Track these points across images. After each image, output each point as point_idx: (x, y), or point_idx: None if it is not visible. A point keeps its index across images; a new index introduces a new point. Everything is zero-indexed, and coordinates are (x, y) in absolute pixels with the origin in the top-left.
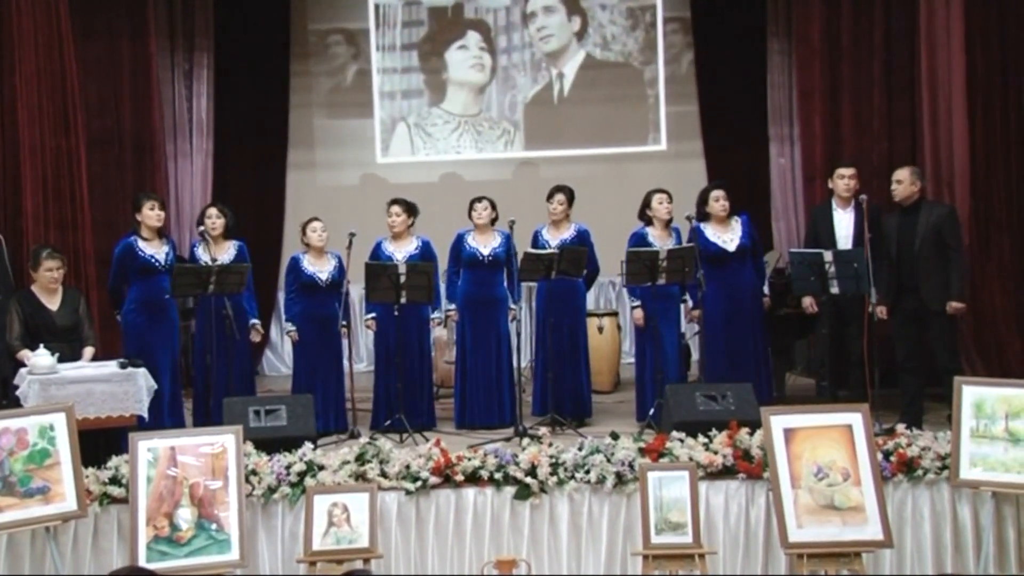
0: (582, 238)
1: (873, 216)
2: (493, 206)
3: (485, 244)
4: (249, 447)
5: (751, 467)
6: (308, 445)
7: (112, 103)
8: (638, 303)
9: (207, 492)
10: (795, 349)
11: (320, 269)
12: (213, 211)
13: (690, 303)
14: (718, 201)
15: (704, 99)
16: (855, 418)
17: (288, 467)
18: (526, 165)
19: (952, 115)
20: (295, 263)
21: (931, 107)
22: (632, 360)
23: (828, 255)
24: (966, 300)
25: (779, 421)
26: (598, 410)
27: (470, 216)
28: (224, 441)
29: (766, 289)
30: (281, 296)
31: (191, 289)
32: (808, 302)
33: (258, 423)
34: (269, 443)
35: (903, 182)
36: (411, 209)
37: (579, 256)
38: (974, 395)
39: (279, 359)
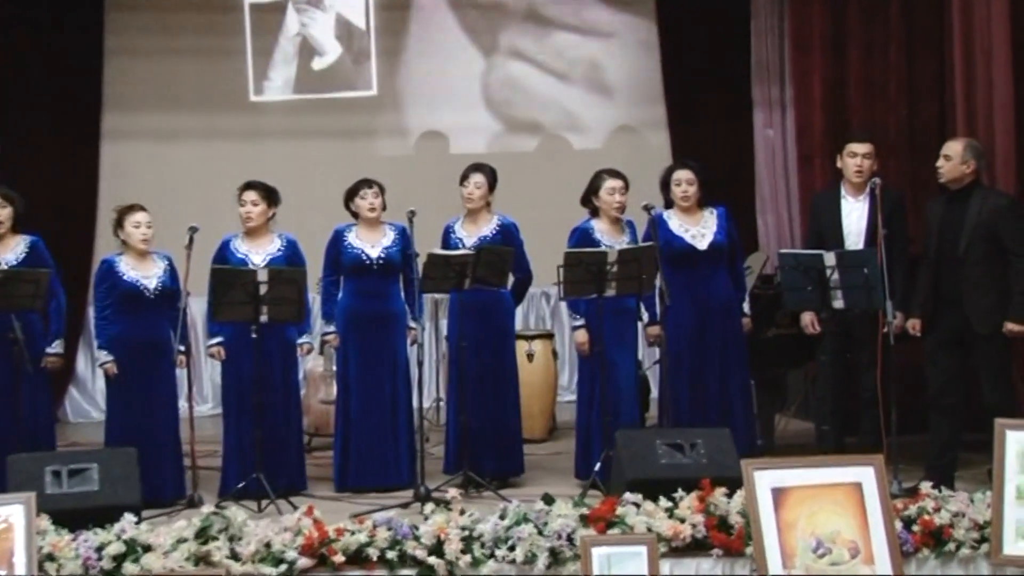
0: (507, 234)
1: (890, 206)
2: (382, 191)
3: (373, 243)
4: (45, 522)
5: (729, 540)
6: (129, 518)
7: None
8: (581, 322)
9: None
10: (787, 382)
11: (144, 275)
12: None
13: (646, 319)
14: (679, 185)
15: (667, 52)
16: (866, 474)
17: (100, 549)
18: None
19: (992, 77)
20: (109, 268)
21: (965, 67)
22: (572, 398)
23: (830, 258)
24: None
25: (766, 478)
26: (527, 464)
27: (348, 207)
28: (9, 514)
29: (746, 307)
30: (91, 313)
31: None
32: (808, 319)
33: (58, 488)
34: (74, 516)
35: (952, 158)
36: (271, 196)
37: (502, 258)
38: (1022, 443)
39: (89, 400)
